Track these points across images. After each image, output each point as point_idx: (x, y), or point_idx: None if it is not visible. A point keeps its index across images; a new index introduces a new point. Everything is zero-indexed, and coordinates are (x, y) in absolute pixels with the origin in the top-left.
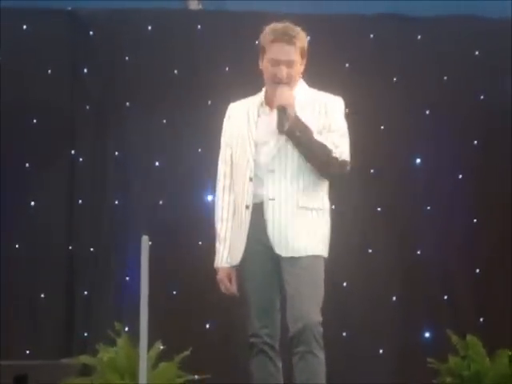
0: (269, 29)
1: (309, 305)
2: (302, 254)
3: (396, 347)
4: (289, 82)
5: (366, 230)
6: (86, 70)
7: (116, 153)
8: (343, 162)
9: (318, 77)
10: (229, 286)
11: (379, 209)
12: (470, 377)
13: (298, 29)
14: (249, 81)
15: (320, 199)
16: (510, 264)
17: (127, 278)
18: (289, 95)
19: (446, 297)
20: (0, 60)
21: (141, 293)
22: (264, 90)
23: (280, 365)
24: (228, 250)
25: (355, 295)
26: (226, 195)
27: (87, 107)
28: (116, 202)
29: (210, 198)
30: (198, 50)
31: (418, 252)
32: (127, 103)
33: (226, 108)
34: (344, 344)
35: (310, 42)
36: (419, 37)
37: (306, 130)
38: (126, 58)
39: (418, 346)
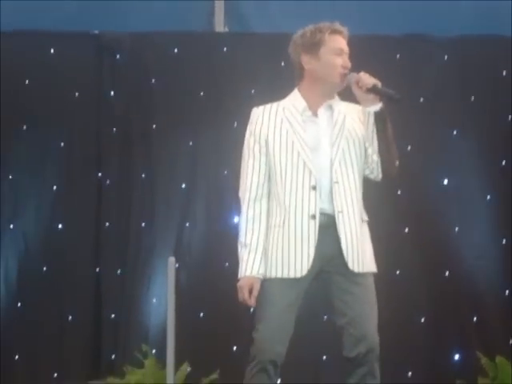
0: (323, 24)
1: (373, 326)
2: (372, 269)
3: (425, 369)
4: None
5: (393, 251)
6: (112, 93)
7: (142, 175)
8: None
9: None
10: (247, 297)
11: (407, 230)
12: None
13: None
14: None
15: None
16: None
17: (154, 300)
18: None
19: (475, 318)
20: (28, 84)
21: (168, 315)
22: (296, 94)
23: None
24: (259, 261)
25: (384, 317)
26: (257, 206)
27: (114, 130)
28: (143, 225)
29: (236, 219)
30: (223, 72)
31: (447, 273)
32: (153, 125)
33: None
34: None
35: None
36: (446, 57)
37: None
38: (153, 80)
39: (447, 368)
